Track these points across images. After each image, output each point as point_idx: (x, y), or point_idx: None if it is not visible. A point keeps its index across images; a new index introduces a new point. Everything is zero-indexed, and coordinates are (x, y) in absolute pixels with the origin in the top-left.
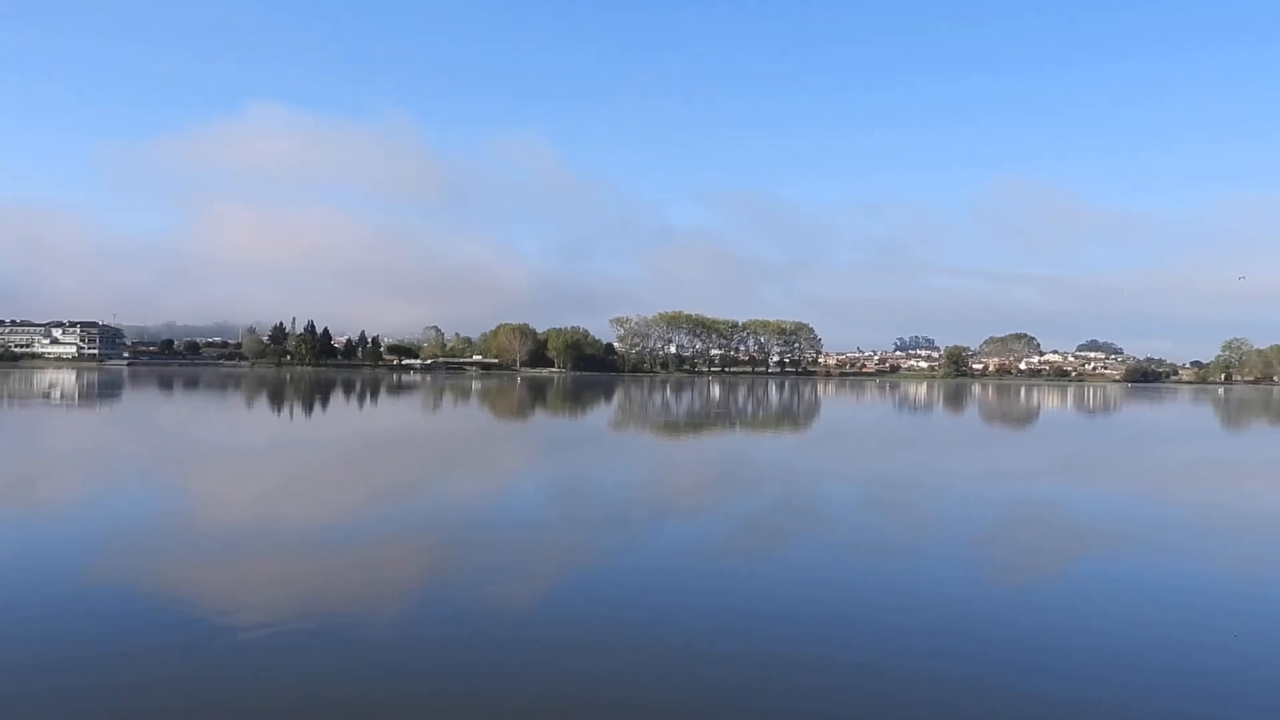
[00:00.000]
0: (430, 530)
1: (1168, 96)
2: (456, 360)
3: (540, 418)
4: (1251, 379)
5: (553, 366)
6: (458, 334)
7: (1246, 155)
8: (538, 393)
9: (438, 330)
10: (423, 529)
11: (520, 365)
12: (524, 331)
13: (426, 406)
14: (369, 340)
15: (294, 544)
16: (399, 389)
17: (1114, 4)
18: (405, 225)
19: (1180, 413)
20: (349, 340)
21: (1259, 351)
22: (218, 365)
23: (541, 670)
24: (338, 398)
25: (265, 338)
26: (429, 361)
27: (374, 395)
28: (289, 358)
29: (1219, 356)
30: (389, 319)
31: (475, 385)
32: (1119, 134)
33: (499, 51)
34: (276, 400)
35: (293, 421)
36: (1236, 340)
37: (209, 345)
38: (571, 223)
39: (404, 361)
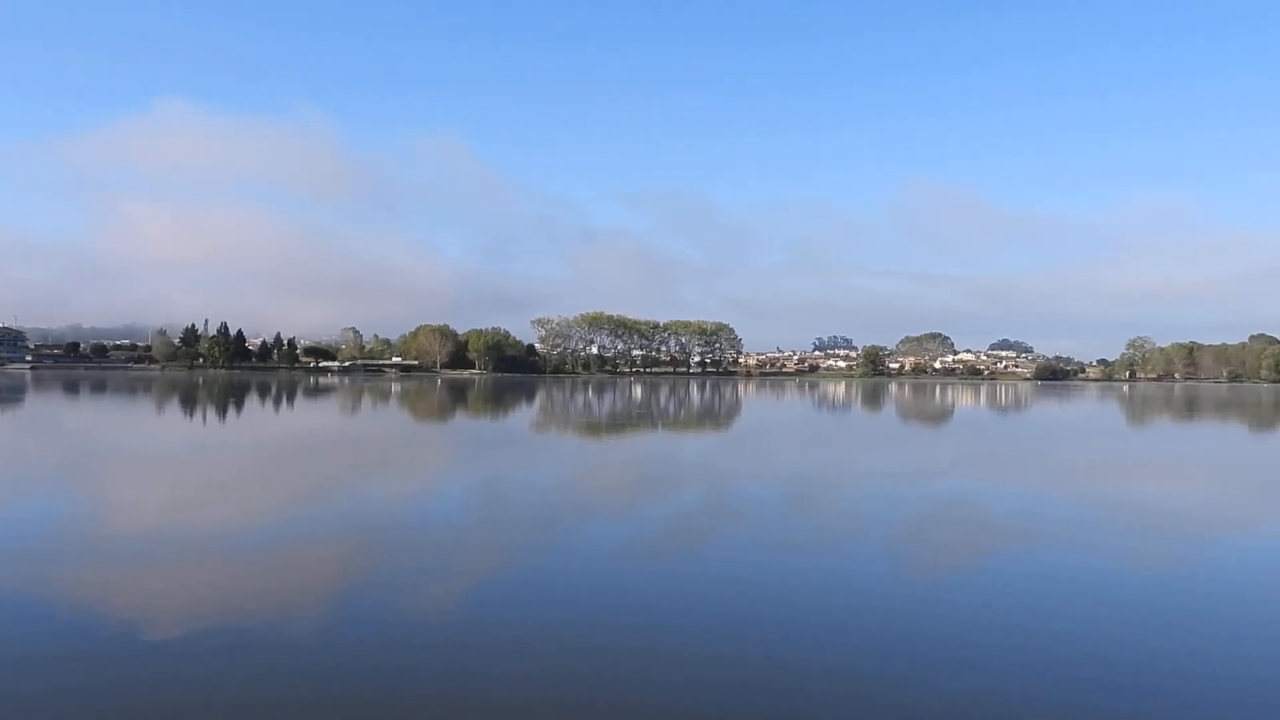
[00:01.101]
0: (349, 534)
1: (1071, 99)
2: (375, 362)
3: (461, 420)
4: (1154, 376)
5: (473, 368)
6: (376, 335)
7: (1148, 157)
8: (458, 394)
9: (356, 332)
10: (341, 533)
11: (440, 367)
12: (444, 333)
13: (344, 409)
14: (285, 342)
15: (207, 550)
16: (316, 391)
17: (1018, 8)
18: (323, 225)
19: (1087, 410)
20: (264, 342)
21: (1160, 350)
22: (126, 368)
23: (462, 673)
24: (252, 401)
25: (177, 340)
26: (347, 363)
27: (290, 398)
28: (201, 360)
29: (1123, 355)
30: (306, 320)
31: (394, 387)
32: (1026, 137)
33: (416, 50)
34: (188, 404)
35: (205, 425)
36: (1139, 339)
37: (117, 348)
38: (493, 223)
39: (321, 364)
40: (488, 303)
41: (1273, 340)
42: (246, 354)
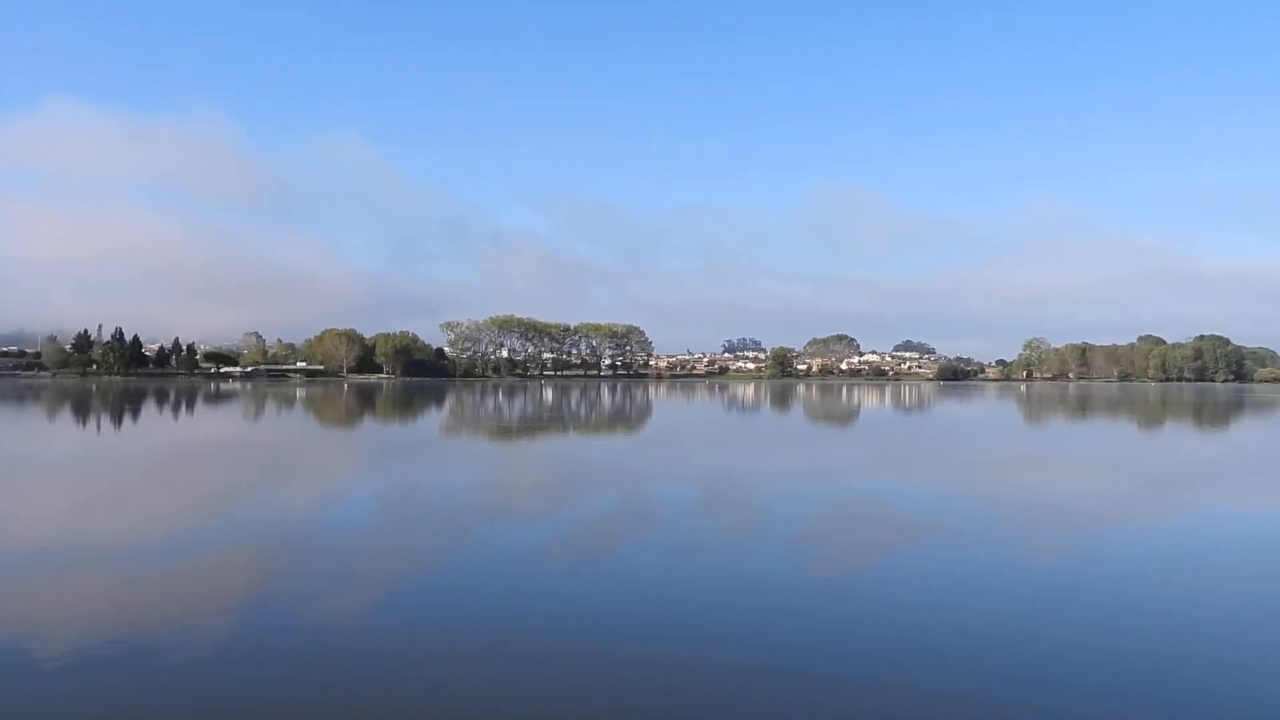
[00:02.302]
0: (251, 545)
1: (969, 104)
2: (279, 367)
3: (368, 425)
4: (1049, 376)
5: (381, 372)
6: (280, 340)
7: (1043, 162)
8: (365, 399)
9: (258, 336)
10: (243, 544)
11: (347, 371)
12: (350, 337)
13: (246, 415)
14: (183, 347)
15: (100, 564)
16: (216, 398)
17: (918, 15)
18: (223, 227)
19: (986, 409)
20: (161, 348)
21: (1056, 350)
22: (15, 376)
23: (367, 681)
24: (149, 408)
25: (68, 346)
26: (249, 369)
27: (189, 405)
28: (95, 367)
29: (1021, 355)
30: (206, 325)
31: (299, 393)
32: (927, 141)
33: (317, 50)
34: (81, 412)
35: (99, 434)
36: (1035, 340)
37: (4, 355)
38: (400, 226)
39: (222, 369)
40: (396, 306)
41: (1159, 341)
42: (143, 360)
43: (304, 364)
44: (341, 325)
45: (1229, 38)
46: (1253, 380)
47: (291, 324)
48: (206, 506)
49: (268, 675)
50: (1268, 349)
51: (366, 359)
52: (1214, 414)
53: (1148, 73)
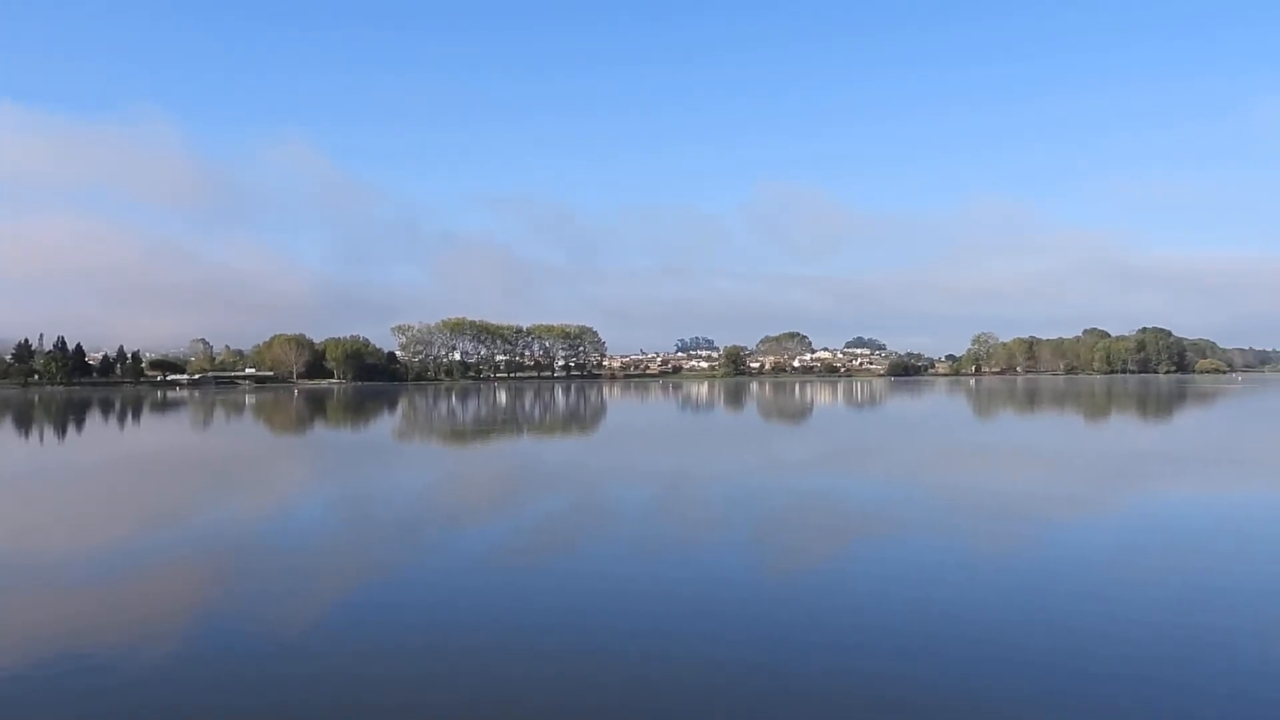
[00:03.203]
0: (199, 557)
1: (919, 108)
2: (228, 374)
3: (320, 431)
4: (998, 370)
5: (332, 378)
6: (228, 346)
7: (989, 162)
8: (316, 405)
9: (206, 343)
10: (191, 556)
11: (297, 377)
12: (300, 342)
13: (194, 424)
14: (128, 356)
15: (43, 580)
16: (163, 406)
17: (864, 25)
18: (168, 233)
19: (937, 404)
20: (106, 357)
21: (1003, 345)
22: None
23: (325, 691)
24: (94, 418)
25: (8, 356)
26: (197, 376)
27: (135, 414)
28: (37, 377)
29: (969, 350)
30: (151, 333)
31: (248, 399)
32: (875, 141)
33: (262, 49)
34: (23, 423)
35: (43, 445)
36: (984, 335)
37: None
38: (350, 228)
39: (169, 377)
40: (346, 310)
41: (1103, 334)
42: (87, 369)
43: (253, 370)
44: (291, 331)
45: (1167, 48)
46: (1193, 371)
47: (240, 330)
48: (154, 519)
49: (220, 690)
50: (1208, 340)
51: (317, 364)
52: (1157, 405)
53: (1089, 79)
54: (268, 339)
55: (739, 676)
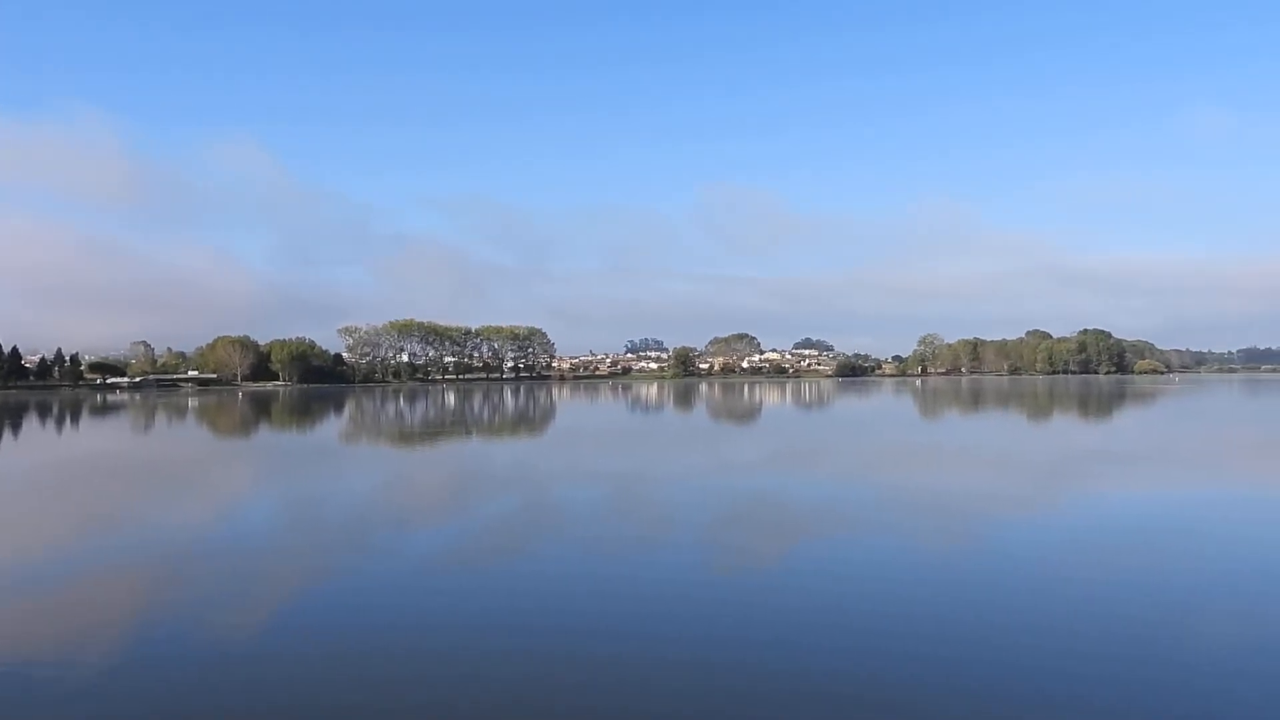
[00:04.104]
0: (143, 562)
1: (865, 110)
2: (170, 377)
3: (264, 434)
4: (943, 371)
5: (277, 380)
6: (170, 349)
7: (935, 164)
8: (261, 407)
9: (147, 345)
10: (132, 562)
11: (241, 380)
12: (245, 344)
13: (135, 427)
14: (67, 358)
15: None
16: (103, 409)
17: (812, 31)
18: (108, 233)
19: (884, 404)
20: (43, 359)
21: (949, 346)
22: None
23: (272, 697)
24: (30, 422)
25: None
26: (138, 379)
27: (74, 417)
28: None
29: (916, 351)
30: (91, 335)
31: (191, 403)
32: (822, 144)
33: (207, 48)
34: None
35: None
36: (930, 336)
37: None
38: (296, 229)
39: (109, 380)
40: (292, 312)
41: (1046, 335)
42: (24, 372)
43: (196, 373)
44: (235, 332)
45: (1107, 52)
46: (1132, 372)
47: (182, 332)
48: (94, 525)
49: (164, 697)
50: (1146, 342)
51: (262, 366)
52: (1097, 405)
53: (1031, 83)
54: (211, 341)
55: (690, 675)
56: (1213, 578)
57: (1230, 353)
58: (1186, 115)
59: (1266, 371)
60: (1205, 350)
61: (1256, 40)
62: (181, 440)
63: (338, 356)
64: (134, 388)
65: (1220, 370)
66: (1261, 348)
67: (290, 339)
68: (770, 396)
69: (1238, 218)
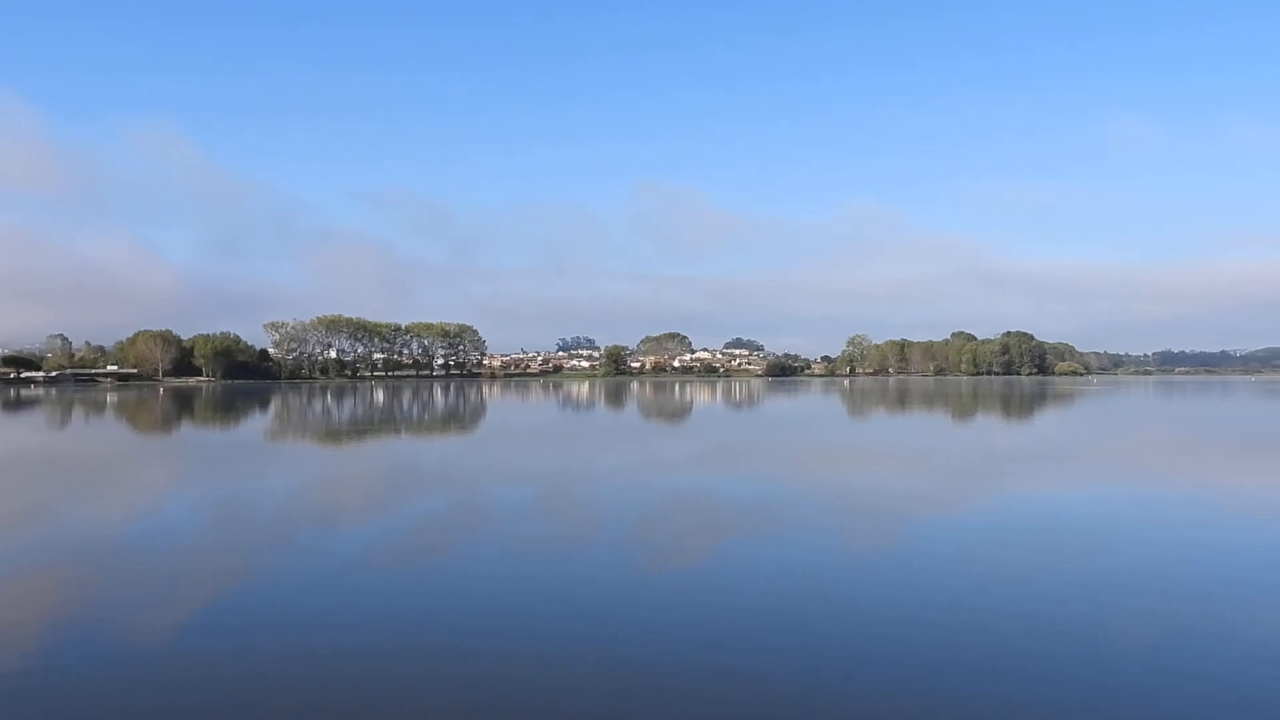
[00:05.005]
0: (54, 562)
1: (794, 113)
2: (88, 371)
3: (185, 431)
4: (871, 371)
5: (201, 375)
6: (89, 343)
7: (864, 167)
8: (183, 404)
9: (64, 339)
10: (44, 562)
11: (163, 375)
12: (167, 338)
13: (50, 423)
14: None
15: None
16: (16, 405)
17: (740, 33)
18: (22, 221)
19: (812, 403)
20: None
21: (876, 346)
22: None
23: (191, 699)
24: None
25: None
26: (54, 374)
27: None
28: None
29: (844, 351)
30: (4, 328)
31: (110, 398)
32: (752, 146)
33: (128, 32)
34: None
35: None
36: (858, 336)
37: None
38: (221, 221)
39: (23, 374)
40: (216, 306)
41: (971, 337)
42: None
43: (116, 368)
44: (157, 326)
45: (1031, 59)
46: (1053, 373)
47: (102, 325)
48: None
49: (75, 703)
50: (1067, 344)
51: (184, 362)
52: (1019, 405)
53: (957, 88)
54: (132, 335)
55: (615, 674)
56: (1125, 575)
57: (1146, 355)
58: (1108, 123)
59: (1180, 374)
60: (1123, 353)
61: (1177, 48)
62: (99, 436)
63: (263, 352)
64: (50, 382)
65: (1137, 372)
66: (1176, 350)
67: (214, 334)
68: (701, 395)
69: (1156, 225)
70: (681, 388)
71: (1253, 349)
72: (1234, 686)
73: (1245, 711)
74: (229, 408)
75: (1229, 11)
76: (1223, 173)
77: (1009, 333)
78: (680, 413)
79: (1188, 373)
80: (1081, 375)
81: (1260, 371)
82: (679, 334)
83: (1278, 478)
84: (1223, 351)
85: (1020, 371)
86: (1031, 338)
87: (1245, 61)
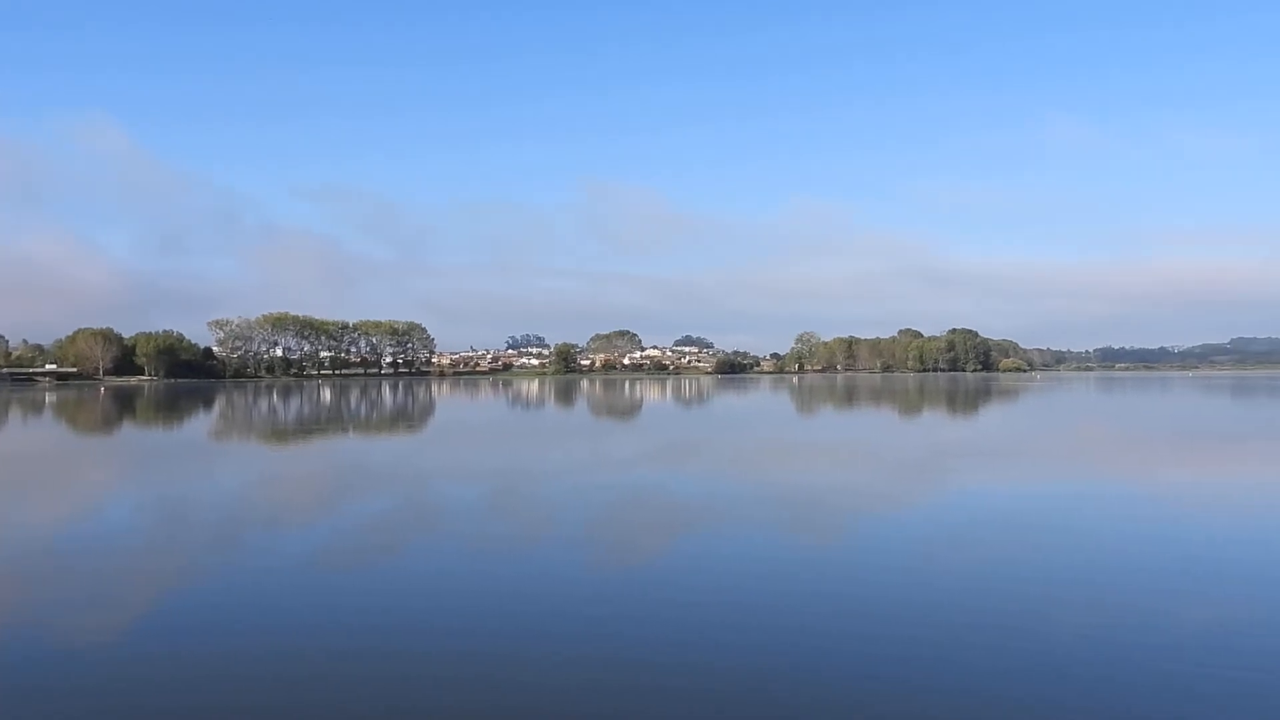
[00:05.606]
0: None
1: (743, 111)
2: (25, 371)
3: (127, 431)
4: (819, 368)
5: (143, 374)
6: (26, 341)
7: (812, 166)
8: (124, 403)
9: (1, 338)
10: None
11: (104, 374)
12: (108, 337)
13: None
14: None
15: None
16: None
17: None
18: None
19: (761, 400)
20: None
21: (825, 344)
22: None
23: (138, 701)
24: None
25: None
26: None
27: None
28: None
29: (793, 349)
30: None
31: (49, 398)
32: (701, 144)
33: (62, 27)
34: None
35: None
36: (806, 334)
37: None
38: (164, 218)
39: None
40: (159, 304)
41: (917, 334)
42: None
43: (54, 367)
44: (97, 324)
45: (973, 59)
46: (997, 369)
47: (40, 324)
48: None
49: (13, 708)
50: (1010, 341)
51: (126, 360)
52: (964, 401)
53: (903, 87)
54: (71, 333)
55: (572, 672)
56: (1065, 568)
57: (1088, 352)
58: (1042, 122)
59: (1120, 369)
60: (1065, 349)
61: (1108, 48)
62: (37, 437)
63: (207, 350)
64: None
65: (1078, 368)
66: (1116, 347)
67: (157, 332)
68: (651, 393)
69: (1096, 224)
70: (632, 385)
71: (1190, 345)
72: (1169, 673)
73: (1181, 695)
74: (172, 407)
75: (1164, 14)
76: (1159, 172)
77: (954, 330)
78: (631, 410)
79: (1128, 368)
80: (1025, 372)
81: (1197, 367)
82: (629, 332)
83: (1210, 469)
84: (1161, 348)
85: (965, 368)
86: (976, 335)
87: (1179, 63)
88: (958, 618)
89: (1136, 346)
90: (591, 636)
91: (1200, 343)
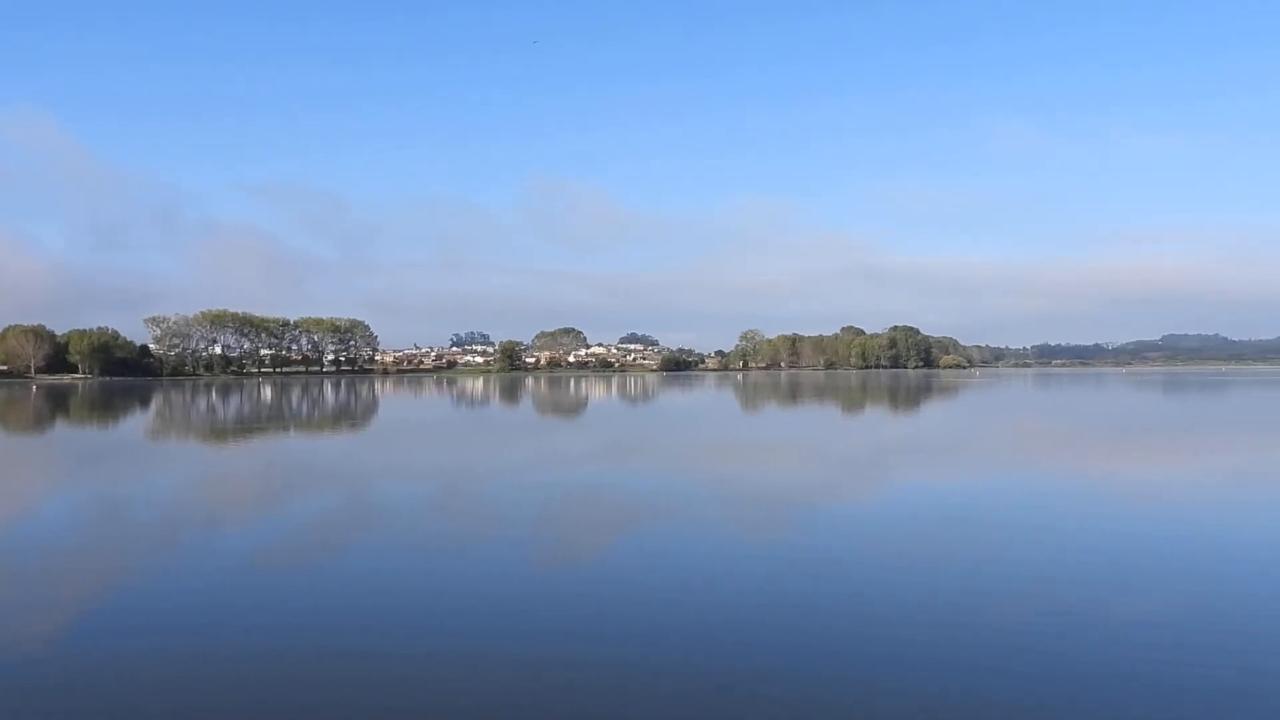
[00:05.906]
0: None
1: (688, 109)
2: None
3: (59, 430)
4: (764, 365)
5: (76, 372)
6: None
7: (754, 164)
8: (57, 402)
9: None
10: None
11: (36, 373)
12: (39, 334)
13: None
14: None
15: None
16: None
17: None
18: None
19: (706, 397)
20: None
21: (769, 341)
22: None
23: (74, 704)
24: None
25: None
26: None
27: None
28: None
29: (737, 346)
30: None
31: None
32: (645, 142)
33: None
34: None
35: None
36: (751, 331)
37: None
38: (99, 213)
39: None
40: (94, 301)
41: (859, 331)
42: None
43: None
44: (29, 321)
45: (913, 59)
46: (938, 366)
47: None
48: None
49: None
50: (950, 338)
51: (59, 358)
52: (906, 398)
53: (844, 86)
54: (0, 330)
55: (519, 671)
56: (1004, 563)
57: (1026, 348)
58: (983, 122)
59: (1057, 365)
60: (1004, 346)
61: (1048, 49)
62: None
63: (144, 348)
64: None
65: (1016, 365)
66: (1053, 344)
67: (91, 329)
68: (596, 390)
69: (1033, 223)
70: (577, 383)
71: (1123, 341)
72: (1108, 663)
73: (1121, 685)
74: (107, 406)
75: (1103, 16)
76: (1096, 173)
77: (896, 327)
78: (577, 408)
79: (1064, 365)
80: (965, 368)
81: (1130, 363)
82: (574, 329)
83: (1150, 462)
84: (1096, 344)
85: (907, 365)
86: (917, 332)
87: (1117, 64)
88: (904, 613)
89: (1072, 343)
90: (547, 635)
91: (1133, 339)
